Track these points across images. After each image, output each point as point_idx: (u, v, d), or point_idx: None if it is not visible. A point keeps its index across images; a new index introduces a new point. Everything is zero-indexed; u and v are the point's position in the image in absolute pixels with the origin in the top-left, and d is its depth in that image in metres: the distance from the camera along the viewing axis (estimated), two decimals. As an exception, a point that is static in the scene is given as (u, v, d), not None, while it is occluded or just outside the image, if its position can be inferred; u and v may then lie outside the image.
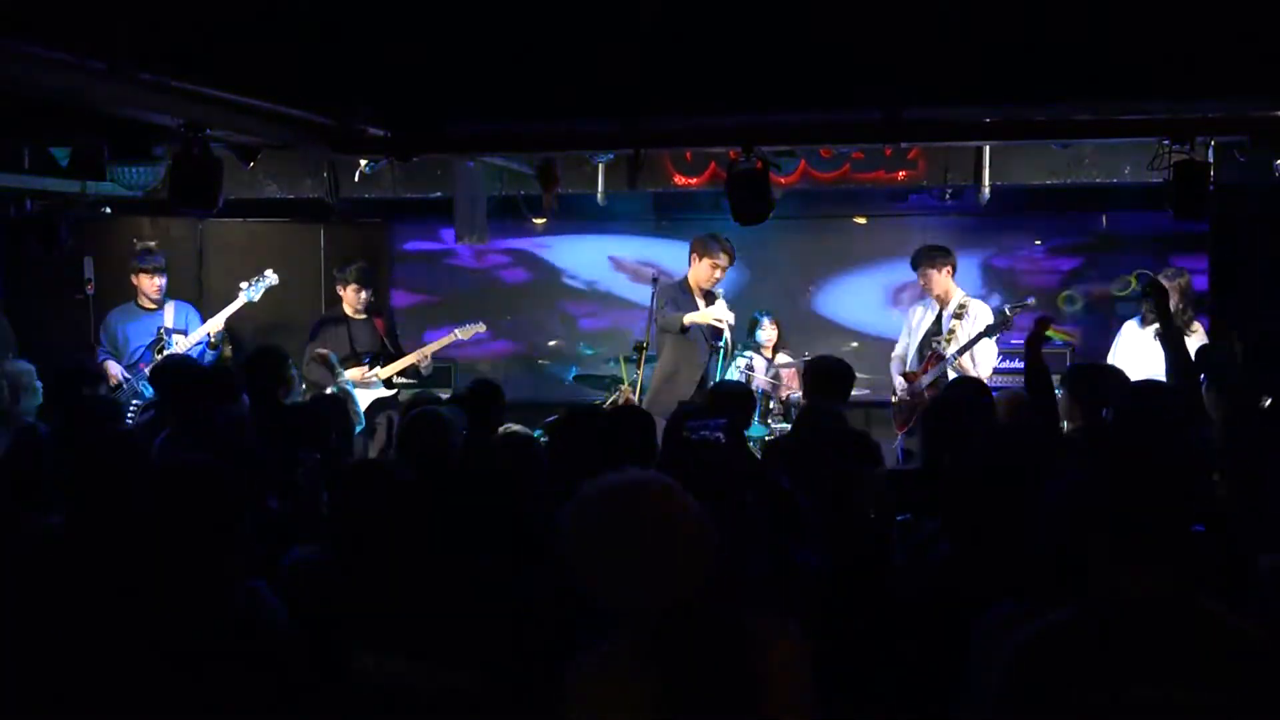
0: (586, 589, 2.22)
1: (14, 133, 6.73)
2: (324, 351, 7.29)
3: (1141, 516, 2.13)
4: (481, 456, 4.18)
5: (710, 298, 7.48)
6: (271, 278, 7.81)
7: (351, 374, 7.53)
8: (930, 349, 7.40)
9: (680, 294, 7.48)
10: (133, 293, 7.86)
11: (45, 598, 2.96)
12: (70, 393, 5.66)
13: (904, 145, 7.85)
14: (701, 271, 7.44)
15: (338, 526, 3.04)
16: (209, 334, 7.62)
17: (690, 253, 7.53)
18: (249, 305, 7.85)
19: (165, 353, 7.44)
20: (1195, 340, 6.69)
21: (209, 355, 7.62)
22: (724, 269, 7.47)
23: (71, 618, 2.79)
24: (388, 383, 7.65)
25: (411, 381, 7.71)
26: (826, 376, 5.52)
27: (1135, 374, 6.70)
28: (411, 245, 10.25)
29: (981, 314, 7.36)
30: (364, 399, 7.56)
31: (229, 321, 7.80)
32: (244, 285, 7.77)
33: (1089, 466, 2.24)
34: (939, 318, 7.49)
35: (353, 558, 2.92)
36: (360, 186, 8.28)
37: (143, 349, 7.60)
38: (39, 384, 5.90)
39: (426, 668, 2.58)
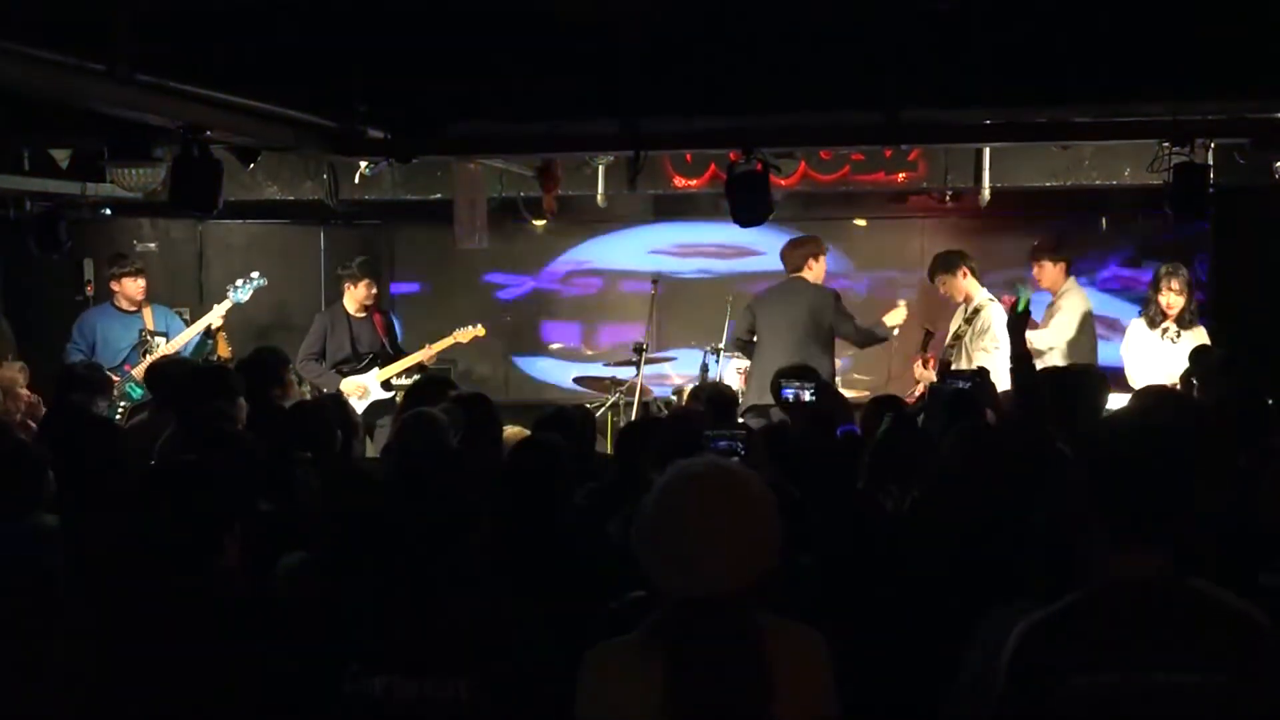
0: (646, 568, 2.20)
1: (14, 133, 6.73)
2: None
3: (1135, 500, 2.14)
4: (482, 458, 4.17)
5: None
6: (259, 280, 7.77)
7: (348, 387, 7.49)
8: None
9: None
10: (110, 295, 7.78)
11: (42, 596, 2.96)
12: (59, 397, 5.67)
13: (904, 147, 7.84)
14: None
15: (330, 534, 3.03)
16: (206, 329, 7.56)
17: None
18: (250, 307, 7.82)
19: (150, 355, 7.35)
20: (1196, 339, 6.66)
21: (207, 345, 7.55)
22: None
23: (64, 615, 2.79)
24: (386, 384, 7.61)
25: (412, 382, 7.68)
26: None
27: (1143, 375, 6.70)
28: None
29: (993, 319, 6.94)
30: (361, 403, 7.55)
31: (230, 324, 7.75)
32: (229, 288, 7.70)
33: (1081, 455, 2.24)
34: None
35: (346, 566, 2.90)
36: (360, 188, 8.28)
37: (128, 350, 7.55)
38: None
39: (422, 681, 2.55)
